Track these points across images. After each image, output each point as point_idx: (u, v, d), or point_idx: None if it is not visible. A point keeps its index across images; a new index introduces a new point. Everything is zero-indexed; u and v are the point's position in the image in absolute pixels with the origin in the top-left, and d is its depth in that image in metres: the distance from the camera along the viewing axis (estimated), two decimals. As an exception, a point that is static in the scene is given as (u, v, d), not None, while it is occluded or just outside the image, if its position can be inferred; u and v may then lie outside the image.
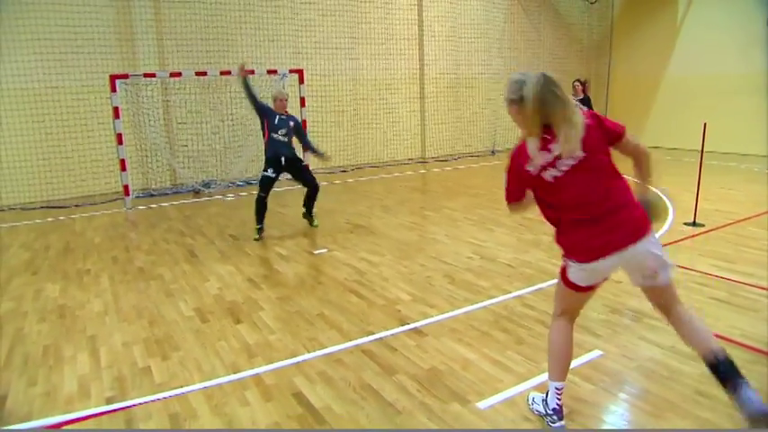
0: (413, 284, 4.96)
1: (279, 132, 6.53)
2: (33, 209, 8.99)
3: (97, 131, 9.87)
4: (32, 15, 9.06)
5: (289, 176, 6.95)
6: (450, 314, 4.27)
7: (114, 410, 3.09)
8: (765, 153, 12.62)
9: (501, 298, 4.57)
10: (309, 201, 7.01)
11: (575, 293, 2.66)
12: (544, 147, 2.43)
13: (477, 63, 14.48)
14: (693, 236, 6.32)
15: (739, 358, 3.44)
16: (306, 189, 6.92)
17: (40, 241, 7.00)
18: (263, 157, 6.66)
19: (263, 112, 6.57)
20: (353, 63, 12.46)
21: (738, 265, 5.23)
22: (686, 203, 7.49)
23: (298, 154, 6.84)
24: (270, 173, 6.57)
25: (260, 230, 6.71)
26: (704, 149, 7.02)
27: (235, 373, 3.46)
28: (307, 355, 3.66)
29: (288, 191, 9.47)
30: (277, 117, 6.55)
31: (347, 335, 3.95)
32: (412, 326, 4.07)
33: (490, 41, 14.62)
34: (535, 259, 5.55)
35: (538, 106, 2.36)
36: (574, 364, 3.42)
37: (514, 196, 2.65)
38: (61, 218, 8.33)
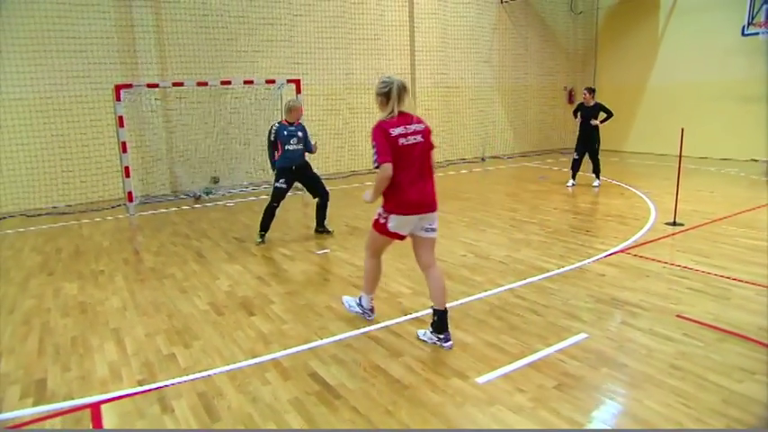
0: (412, 280, 5.31)
1: (291, 142, 6.75)
2: (40, 215, 9.24)
3: (99, 139, 10.15)
4: (37, 27, 9.34)
5: (300, 187, 7.24)
6: (449, 305, 4.58)
7: (147, 390, 3.39)
8: (744, 157, 13.17)
9: (495, 291, 4.93)
10: (321, 211, 7.18)
11: (389, 240, 3.92)
12: (400, 123, 3.62)
13: (467, 72, 14.94)
14: (673, 234, 6.73)
15: (709, 337, 3.85)
16: (317, 199, 7.13)
17: (50, 245, 7.26)
18: (271, 168, 6.99)
19: (276, 140, 6.76)
20: (348, 73, 12.85)
21: (713, 260, 5.64)
22: (667, 205, 7.93)
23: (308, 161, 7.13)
24: (281, 183, 6.78)
25: (263, 236, 6.96)
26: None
27: (254, 357, 3.78)
28: (319, 342, 3.99)
29: (288, 195, 9.75)
30: (286, 130, 6.74)
31: (354, 324, 4.29)
32: (414, 315, 4.42)
33: (478, 52, 15.10)
34: (526, 256, 5.92)
35: (397, 96, 3.63)
36: (561, 345, 3.82)
37: (387, 156, 3.55)
38: (67, 223, 8.57)
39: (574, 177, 10.40)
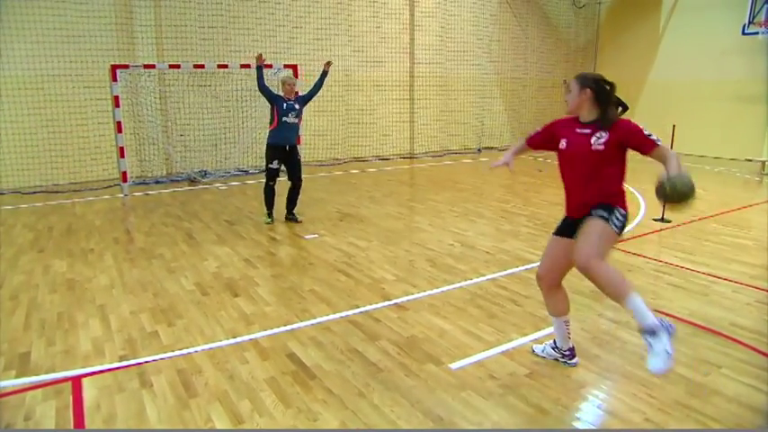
0: (397, 267, 5.37)
1: (289, 116, 6.83)
2: (33, 193, 9.27)
3: (95, 119, 10.14)
4: (35, 5, 9.31)
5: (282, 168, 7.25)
6: (430, 292, 4.69)
7: (128, 366, 3.47)
8: (740, 157, 13.20)
9: (477, 280, 5.00)
10: (293, 196, 7.23)
11: None
12: None
13: (466, 63, 14.91)
14: (660, 230, 6.80)
15: (682, 331, 3.93)
16: (290, 183, 7.17)
17: (43, 223, 7.31)
18: (265, 145, 6.99)
19: (272, 99, 6.85)
20: (346, 60, 12.81)
21: (696, 257, 5.71)
22: (657, 201, 7.97)
23: (298, 144, 7.18)
24: (274, 165, 6.94)
25: (270, 215, 7.17)
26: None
27: (234, 337, 3.86)
28: (299, 324, 4.06)
29: (279, 181, 9.79)
30: (285, 103, 6.82)
31: (336, 308, 4.36)
32: (394, 301, 4.49)
33: (479, 42, 15.05)
34: (512, 248, 5.98)
35: None
36: (538, 334, 3.88)
37: None
38: (61, 202, 8.62)
39: None
